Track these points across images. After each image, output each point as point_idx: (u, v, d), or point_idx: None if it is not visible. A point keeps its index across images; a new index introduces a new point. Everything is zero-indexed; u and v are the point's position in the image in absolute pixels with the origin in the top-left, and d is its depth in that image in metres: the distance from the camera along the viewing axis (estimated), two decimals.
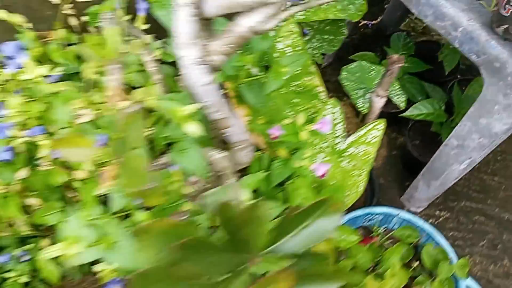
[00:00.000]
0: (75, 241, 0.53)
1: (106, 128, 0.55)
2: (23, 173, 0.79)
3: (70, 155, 0.51)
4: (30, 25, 0.84)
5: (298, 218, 0.38)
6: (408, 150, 1.23)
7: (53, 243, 0.96)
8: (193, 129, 0.51)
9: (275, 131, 0.69)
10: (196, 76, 0.53)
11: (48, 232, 1.03)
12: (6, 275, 1.00)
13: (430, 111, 1.15)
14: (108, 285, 0.65)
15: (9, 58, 0.64)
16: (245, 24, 0.49)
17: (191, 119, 0.51)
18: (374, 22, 1.62)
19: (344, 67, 1.03)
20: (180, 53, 0.51)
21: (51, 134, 0.79)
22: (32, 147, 0.81)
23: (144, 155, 0.48)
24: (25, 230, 0.96)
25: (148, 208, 0.59)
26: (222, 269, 0.36)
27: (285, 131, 0.70)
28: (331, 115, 0.80)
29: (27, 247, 0.98)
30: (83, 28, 0.95)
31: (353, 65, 1.03)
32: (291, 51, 0.84)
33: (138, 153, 0.48)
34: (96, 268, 0.71)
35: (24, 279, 1.01)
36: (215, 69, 0.55)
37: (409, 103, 1.18)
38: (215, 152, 0.56)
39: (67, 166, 0.81)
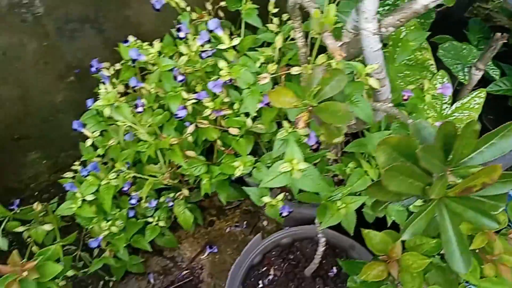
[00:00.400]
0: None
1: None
2: (191, 128, 0.97)
3: (278, 103, 0.68)
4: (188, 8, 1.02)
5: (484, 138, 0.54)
6: (483, 123, 1.37)
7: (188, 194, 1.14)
8: (373, 83, 0.67)
9: (407, 93, 0.84)
10: (371, 43, 0.69)
11: (184, 184, 1.22)
12: (149, 219, 1.20)
13: (509, 87, 1.28)
14: (283, 209, 0.83)
15: (210, 31, 0.82)
16: (422, 2, 0.64)
17: (370, 76, 0.67)
18: (441, 8, 1.75)
19: (440, 45, 1.17)
20: (365, 26, 0.67)
21: (214, 96, 0.97)
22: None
23: (341, 102, 0.65)
24: (169, 181, 1.15)
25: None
26: (436, 169, 0.53)
27: (413, 94, 0.85)
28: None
29: (171, 195, 1.17)
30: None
31: (446, 44, 1.17)
32: (404, 29, 0.99)
33: (338, 99, 0.65)
34: (264, 199, 0.90)
35: (162, 223, 1.20)
36: (382, 39, 0.71)
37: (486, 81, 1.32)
38: (379, 105, 0.72)
39: (219, 126, 0.99)
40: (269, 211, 1.00)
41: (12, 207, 1.12)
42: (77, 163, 1.14)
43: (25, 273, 0.78)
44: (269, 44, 1.02)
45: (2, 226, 1.08)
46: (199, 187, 1.30)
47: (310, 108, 0.70)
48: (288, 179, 0.73)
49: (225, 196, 1.19)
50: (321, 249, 0.92)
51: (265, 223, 1.40)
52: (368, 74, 0.69)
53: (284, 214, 0.89)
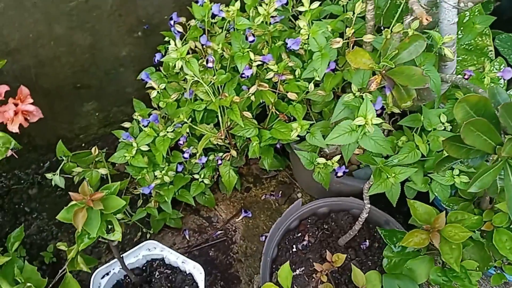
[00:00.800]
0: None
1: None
2: (253, 88, 1.02)
3: (355, 63, 0.73)
4: None
5: None
6: None
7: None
8: (448, 53, 0.72)
9: (468, 72, 0.88)
10: (449, 16, 0.74)
11: (232, 146, 1.28)
12: (195, 176, 1.26)
13: None
14: (337, 170, 0.89)
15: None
16: None
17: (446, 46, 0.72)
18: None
19: (496, 36, 1.21)
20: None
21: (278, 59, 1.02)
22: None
23: (415, 65, 0.70)
24: (220, 142, 1.20)
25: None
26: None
27: (474, 74, 0.89)
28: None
29: (220, 154, 1.23)
30: None
31: (503, 35, 1.20)
32: (467, 13, 1.02)
33: (412, 64, 0.70)
34: (319, 160, 0.95)
35: (206, 181, 1.27)
36: (459, 12, 0.75)
37: None
38: (448, 76, 0.77)
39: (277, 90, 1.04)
40: (317, 176, 1.06)
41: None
42: (136, 113, 1.20)
43: (91, 203, 0.84)
44: (332, 17, 1.07)
45: (60, 166, 1.15)
46: (244, 152, 1.37)
47: (383, 71, 0.75)
48: (352, 138, 0.78)
49: (269, 162, 1.25)
50: (364, 215, 0.98)
51: (299, 195, 1.45)
52: (444, 44, 0.74)
53: (339, 174, 0.94)
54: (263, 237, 1.36)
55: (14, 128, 0.90)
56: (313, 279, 1.01)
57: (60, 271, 0.93)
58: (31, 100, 0.90)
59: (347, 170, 0.97)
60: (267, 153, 1.25)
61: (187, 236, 1.37)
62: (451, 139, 0.60)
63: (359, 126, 0.76)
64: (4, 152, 0.93)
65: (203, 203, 1.35)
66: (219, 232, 1.38)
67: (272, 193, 1.45)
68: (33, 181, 1.47)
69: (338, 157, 0.92)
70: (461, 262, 0.88)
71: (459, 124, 0.57)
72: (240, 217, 1.40)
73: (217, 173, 1.34)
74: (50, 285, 0.92)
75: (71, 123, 1.44)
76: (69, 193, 0.83)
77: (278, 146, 1.29)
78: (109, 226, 0.86)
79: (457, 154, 0.62)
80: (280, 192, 1.45)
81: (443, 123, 0.92)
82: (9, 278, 0.87)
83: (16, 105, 0.90)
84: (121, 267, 1.13)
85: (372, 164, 0.88)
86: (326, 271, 0.92)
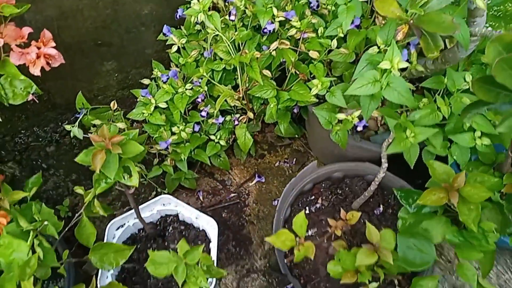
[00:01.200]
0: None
1: None
2: (274, 44, 1.02)
3: (383, 11, 0.72)
4: None
5: None
6: None
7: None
8: (480, 3, 0.71)
9: (497, 33, 0.87)
10: None
11: (249, 109, 1.28)
12: (211, 137, 1.27)
13: None
14: (357, 124, 0.88)
15: None
16: None
17: None
18: None
19: None
20: None
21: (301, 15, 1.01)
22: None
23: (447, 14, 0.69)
24: (237, 103, 1.20)
25: None
26: None
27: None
28: None
29: (237, 115, 1.23)
30: None
31: None
32: None
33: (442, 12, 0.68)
34: (340, 116, 0.95)
35: (222, 142, 1.27)
36: None
37: None
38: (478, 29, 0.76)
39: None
40: (335, 136, 1.05)
41: (78, 115, 1.18)
42: (156, 70, 1.21)
43: (110, 146, 0.84)
44: None
45: (79, 118, 1.17)
46: (260, 118, 1.37)
47: (411, 21, 0.73)
48: (375, 88, 0.78)
49: (285, 126, 1.25)
50: (381, 174, 0.97)
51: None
52: None
53: (359, 128, 0.94)
54: (276, 202, 1.37)
55: (36, 71, 0.91)
56: (327, 233, 1.01)
57: (76, 215, 0.95)
58: (54, 44, 0.91)
59: (367, 124, 0.96)
60: (283, 118, 1.25)
61: (200, 197, 1.38)
62: (481, 79, 0.59)
63: (384, 73, 0.75)
64: (25, 96, 0.94)
65: (218, 165, 1.36)
66: (232, 194, 1.39)
67: (286, 160, 1.45)
68: (51, 139, 1.49)
69: (358, 112, 0.92)
70: (478, 224, 0.87)
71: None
72: (254, 182, 1.41)
73: (233, 136, 1.34)
74: (66, 229, 0.93)
75: (91, 83, 1.45)
76: (89, 135, 0.84)
77: (295, 111, 1.29)
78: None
79: (486, 97, 0.60)
80: (294, 159, 1.45)
81: (467, 82, 0.90)
82: (27, 218, 0.89)
83: (38, 48, 0.91)
84: (136, 220, 1.15)
85: (393, 117, 0.87)
86: (342, 227, 0.93)
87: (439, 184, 0.90)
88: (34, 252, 0.81)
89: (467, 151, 0.98)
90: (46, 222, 0.84)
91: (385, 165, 0.96)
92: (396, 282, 1.08)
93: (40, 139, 1.49)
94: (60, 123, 1.51)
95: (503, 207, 0.92)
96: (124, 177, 0.85)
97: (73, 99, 1.17)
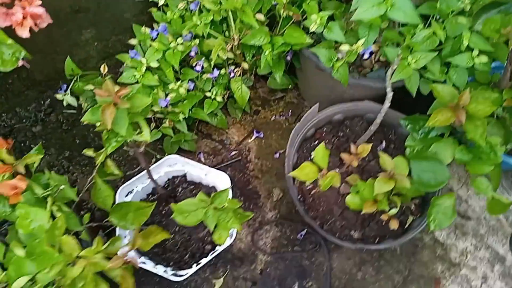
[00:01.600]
0: None
1: None
2: None
3: None
4: None
5: None
6: None
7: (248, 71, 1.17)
8: None
9: None
10: None
11: (243, 60, 1.26)
12: (207, 94, 1.24)
13: None
14: (363, 51, 0.88)
15: None
16: None
17: None
18: None
19: None
20: None
21: None
22: None
23: None
24: (229, 55, 1.18)
25: None
26: None
27: None
28: None
29: (232, 67, 1.20)
30: None
31: None
32: None
33: None
34: (344, 47, 0.94)
35: (218, 99, 1.25)
36: None
37: None
38: None
39: None
40: (336, 73, 1.05)
41: (60, 91, 1.13)
42: (143, 28, 1.16)
43: (118, 100, 0.80)
44: None
45: (70, 86, 1.12)
46: (252, 71, 1.35)
47: None
48: (380, 10, 0.78)
49: (280, 75, 1.24)
50: (387, 104, 0.99)
51: None
52: None
53: (366, 56, 0.94)
54: (277, 154, 1.37)
55: (24, 33, 0.85)
56: (343, 165, 1.02)
57: (89, 179, 0.92)
58: (39, 2, 0.85)
59: (373, 51, 0.97)
60: (278, 66, 1.24)
61: (202, 159, 1.37)
62: None
63: None
64: (15, 62, 0.89)
65: (215, 124, 1.34)
66: (233, 152, 1.38)
67: (281, 113, 1.45)
68: (36, 119, 1.42)
69: (362, 40, 0.92)
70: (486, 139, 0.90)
71: None
72: (252, 138, 1.40)
73: (228, 92, 1.32)
74: (80, 195, 0.90)
75: (70, 55, 1.37)
76: (95, 91, 0.80)
77: (288, 59, 1.28)
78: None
79: None
80: (290, 111, 1.45)
81: (462, 2, 0.92)
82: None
83: (23, 8, 0.85)
84: (144, 184, 1.13)
85: (398, 40, 0.88)
86: (356, 159, 0.94)
87: (444, 105, 0.92)
88: (54, 218, 0.78)
89: (465, 72, 1.01)
90: (62, 186, 0.81)
91: (390, 94, 0.97)
92: (412, 207, 1.12)
93: (24, 120, 1.42)
94: (42, 101, 1.44)
95: (506, 121, 0.96)
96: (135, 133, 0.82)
97: (53, 74, 1.12)
